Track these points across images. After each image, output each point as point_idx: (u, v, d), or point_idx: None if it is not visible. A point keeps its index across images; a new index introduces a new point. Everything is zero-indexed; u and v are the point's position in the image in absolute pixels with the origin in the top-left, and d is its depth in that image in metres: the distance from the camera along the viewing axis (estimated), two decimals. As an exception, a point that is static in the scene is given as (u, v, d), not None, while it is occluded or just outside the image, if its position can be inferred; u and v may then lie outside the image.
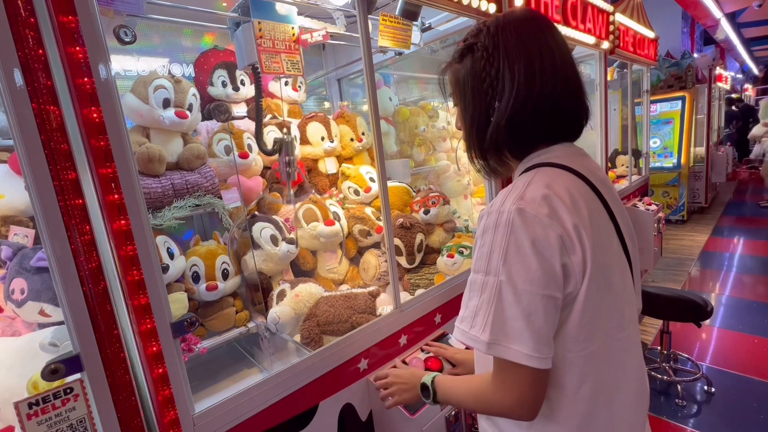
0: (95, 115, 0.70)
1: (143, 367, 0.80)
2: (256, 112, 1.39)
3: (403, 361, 1.29)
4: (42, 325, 1.08)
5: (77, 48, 0.68)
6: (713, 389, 2.32)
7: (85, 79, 0.69)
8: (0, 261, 1.10)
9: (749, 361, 2.54)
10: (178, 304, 1.28)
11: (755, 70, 12.24)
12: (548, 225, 0.59)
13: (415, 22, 1.51)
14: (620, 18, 2.71)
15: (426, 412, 1.16)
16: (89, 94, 0.69)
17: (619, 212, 0.71)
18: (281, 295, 1.46)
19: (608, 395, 0.67)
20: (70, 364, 0.69)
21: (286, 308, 1.38)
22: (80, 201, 0.69)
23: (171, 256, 1.35)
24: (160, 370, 0.80)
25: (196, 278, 1.43)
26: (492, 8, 1.56)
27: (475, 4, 1.49)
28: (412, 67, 2.58)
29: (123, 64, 1.68)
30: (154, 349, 0.79)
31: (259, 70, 1.20)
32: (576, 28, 2.08)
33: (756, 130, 6.70)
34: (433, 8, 1.45)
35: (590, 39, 2.27)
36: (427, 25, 1.80)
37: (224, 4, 1.54)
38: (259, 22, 1.15)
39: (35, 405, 0.65)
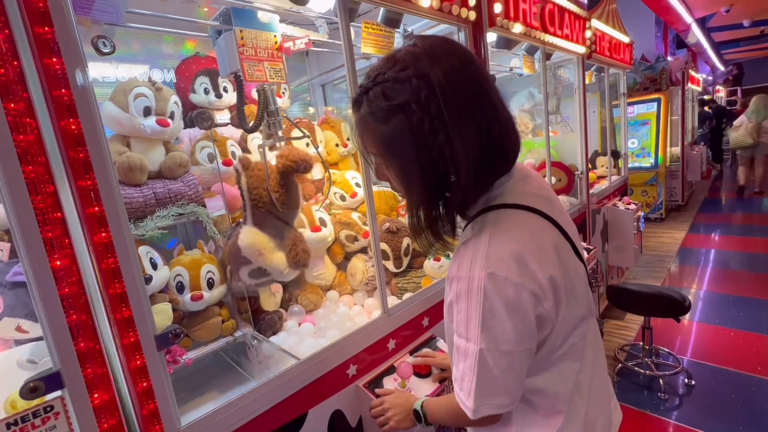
0: (73, 127, 0.69)
1: (126, 381, 0.79)
2: (239, 117, 1.37)
3: (392, 365, 1.30)
4: (19, 342, 1.05)
5: (54, 59, 0.67)
6: (693, 382, 2.39)
7: (63, 90, 0.68)
8: (-26, 276, 1.07)
9: (727, 353, 2.63)
10: (162, 316, 1.26)
11: (725, 72, 12.76)
12: (519, 285, 0.60)
13: (397, 30, 1.53)
14: (596, 24, 2.79)
15: (415, 416, 1.16)
16: (67, 105, 0.68)
17: (566, 224, 0.72)
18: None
19: (582, 389, 0.72)
20: (50, 381, 0.67)
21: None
22: (59, 214, 0.68)
23: (154, 266, 1.32)
24: (144, 384, 0.79)
25: (180, 288, 1.41)
26: (472, 15, 1.59)
27: (455, 12, 1.52)
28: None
29: (102, 72, 1.65)
30: (138, 362, 0.78)
31: (241, 78, 1.20)
32: (554, 34, 2.14)
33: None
34: (415, 16, 1.47)
35: (568, 44, 2.33)
36: (409, 32, 1.83)
37: (205, 10, 1.53)
38: (241, 31, 1.15)
39: (13, 425, 0.64)
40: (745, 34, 9.64)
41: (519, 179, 0.71)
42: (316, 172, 2.06)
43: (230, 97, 1.89)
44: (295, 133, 1.68)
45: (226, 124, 1.86)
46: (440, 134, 0.58)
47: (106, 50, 0.79)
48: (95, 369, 0.72)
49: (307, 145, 1.76)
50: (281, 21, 1.62)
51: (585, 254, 0.81)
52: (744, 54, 12.61)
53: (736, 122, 6.62)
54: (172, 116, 1.46)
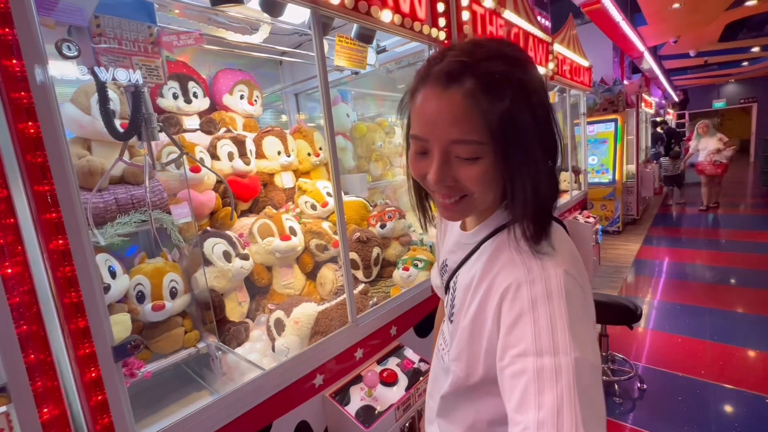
0: (32, 130, 0.67)
1: (79, 395, 0.76)
2: (104, 121, 1.04)
3: (359, 374, 1.30)
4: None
5: (13, 60, 0.65)
6: (645, 386, 2.53)
7: (22, 93, 0.66)
8: None
9: (675, 358, 2.81)
10: (119, 326, 1.21)
11: (675, 97, 13.83)
12: (585, 285, 0.56)
13: (370, 45, 1.57)
14: (558, 48, 2.97)
15: (381, 424, 1.17)
16: (26, 108, 0.66)
17: None
18: (279, 324, 1.42)
19: None
20: (-5, 395, 0.63)
21: (292, 338, 1.36)
22: (12, 220, 0.65)
23: (113, 275, 1.27)
24: (99, 398, 0.76)
25: (140, 298, 1.35)
26: (442, 35, 1.67)
27: (426, 31, 1.58)
28: (370, 84, 2.65)
29: (62, 71, 1.58)
30: (93, 375, 0.75)
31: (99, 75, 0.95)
32: (519, 55, 2.26)
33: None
34: (387, 33, 1.52)
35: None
36: (382, 47, 1.88)
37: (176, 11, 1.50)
38: (96, 17, 0.91)
39: (-49, 443, 0.60)
40: (691, 63, 10.52)
41: None
42: (288, 180, 2.05)
43: (200, 103, 1.86)
44: (167, 152, 1.53)
45: (195, 130, 1.83)
46: (551, 121, 0.59)
47: (70, 54, 0.77)
48: (45, 382, 0.68)
49: (201, 162, 1.59)
50: (273, 33, 1.64)
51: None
52: (691, 81, 13.73)
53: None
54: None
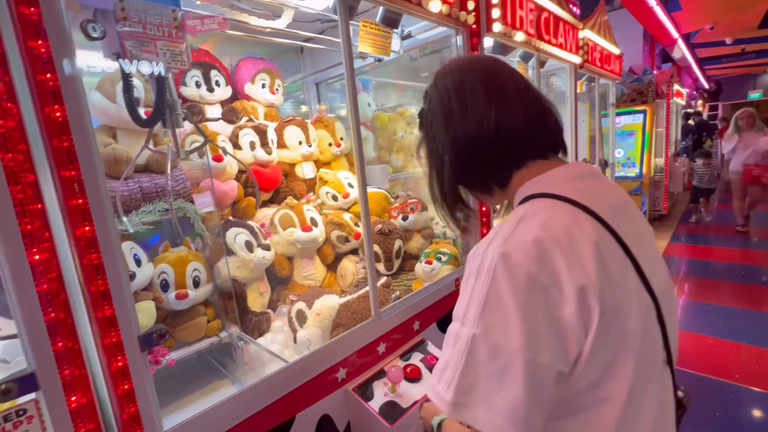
0: (58, 114, 0.65)
1: (107, 383, 0.75)
2: (124, 91, 1.00)
3: (381, 369, 1.28)
4: (-10, 339, 1.00)
5: (39, 42, 0.63)
6: (674, 389, 2.44)
7: (48, 75, 0.64)
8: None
9: (706, 361, 2.69)
10: (145, 314, 1.22)
11: (707, 87, 13.19)
12: (535, 274, 0.52)
13: (395, 30, 1.52)
14: (589, 34, 2.84)
15: (405, 421, 1.15)
16: (52, 91, 0.65)
17: (635, 242, 0.59)
18: (300, 315, 1.41)
19: None
20: (24, 383, 0.63)
21: (314, 330, 1.35)
22: (40, 205, 0.64)
23: (138, 263, 1.28)
24: (126, 387, 0.75)
25: (164, 286, 1.36)
26: (470, 19, 1.59)
27: (454, 15, 1.51)
28: (391, 73, 2.59)
29: (87, 61, 1.59)
30: (120, 364, 0.74)
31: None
32: (549, 42, 2.16)
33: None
34: (414, 17, 1.46)
35: (563, 53, 2.36)
36: (407, 33, 1.82)
37: None
38: (121, 1, 0.91)
39: (-18, 429, 0.60)
40: (727, 52, 9.98)
41: (583, 175, 0.65)
42: (308, 171, 2.03)
43: (222, 92, 1.85)
44: (190, 141, 1.52)
45: (217, 119, 1.81)
46: (434, 122, 0.70)
47: (95, 34, 0.75)
48: (73, 370, 0.68)
49: (224, 151, 1.60)
50: (276, 16, 1.60)
51: (670, 290, 0.63)
52: (724, 71, 13.06)
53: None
54: (159, 109, 1.41)
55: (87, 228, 0.69)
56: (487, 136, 0.64)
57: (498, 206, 0.82)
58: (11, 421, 0.62)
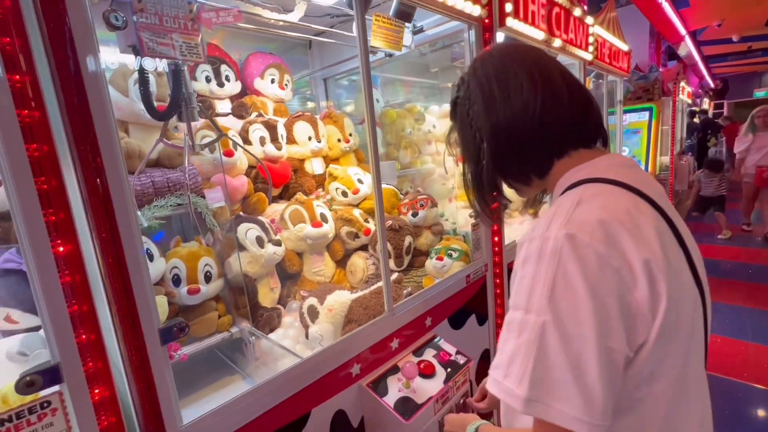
0: (82, 107, 0.65)
1: (127, 377, 0.75)
2: (140, 84, 1.00)
3: (395, 365, 1.27)
4: (5, 333, 0.99)
5: (64, 32, 0.62)
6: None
7: (71, 67, 0.63)
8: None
9: (714, 360, 2.68)
10: (158, 309, 1.21)
11: (712, 85, 13.10)
12: (604, 256, 0.49)
13: (407, 24, 1.50)
14: (598, 30, 2.81)
15: (420, 417, 1.14)
16: (75, 83, 0.64)
17: (685, 233, 0.60)
18: (312, 311, 1.41)
19: None
20: (48, 375, 0.62)
21: (326, 325, 1.35)
22: (64, 197, 0.64)
23: (150, 257, 1.27)
24: (147, 380, 0.75)
25: (176, 281, 1.36)
26: (484, 14, 1.58)
27: (468, 10, 1.50)
28: (398, 69, 2.58)
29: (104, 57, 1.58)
30: (141, 357, 0.73)
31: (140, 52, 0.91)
32: (559, 37, 2.14)
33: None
34: (429, 11, 1.45)
35: (573, 49, 2.34)
36: (418, 28, 1.80)
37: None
38: None
39: (8, 421, 0.59)
40: (733, 49, 9.90)
41: (627, 164, 0.64)
42: (317, 167, 2.02)
43: (232, 87, 1.84)
44: (200, 135, 1.50)
45: (227, 114, 1.81)
46: (472, 109, 0.68)
47: (118, 24, 0.74)
48: (96, 363, 0.67)
49: (237, 145, 1.59)
50: (287, 10, 1.59)
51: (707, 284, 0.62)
52: (731, 69, 12.96)
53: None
54: (171, 103, 1.40)
55: (109, 221, 0.69)
56: (532, 123, 0.62)
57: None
58: (35, 413, 0.62)
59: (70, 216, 0.64)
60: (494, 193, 0.71)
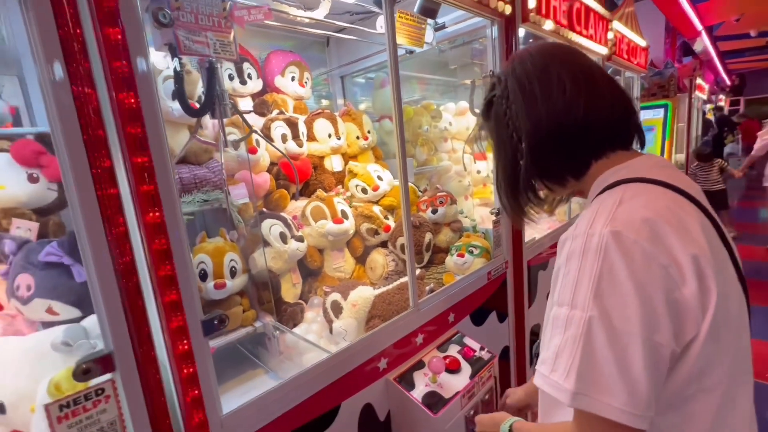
0: (132, 101, 0.66)
1: (171, 366, 0.77)
2: (175, 81, 1.02)
3: (420, 360, 1.28)
4: (46, 324, 1.02)
5: (116, 29, 0.64)
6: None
7: (123, 62, 0.65)
8: (1, 255, 1.04)
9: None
10: (189, 303, 1.24)
11: (728, 81, 12.85)
12: (651, 253, 0.50)
13: (430, 20, 1.50)
14: (617, 25, 2.78)
15: (447, 411, 1.15)
16: (126, 78, 0.66)
17: (725, 230, 0.61)
18: (336, 306, 1.42)
19: None
20: (102, 363, 0.64)
21: (350, 320, 1.36)
22: (115, 190, 0.65)
23: (180, 252, 1.30)
24: (190, 370, 0.76)
25: (203, 276, 1.38)
26: (508, 10, 1.57)
27: (492, 5, 1.49)
28: (415, 66, 2.58)
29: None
30: (185, 347, 0.75)
31: (176, 50, 0.93)
32: (580, 33, 2.12)
33: None
34: (451, 7, 1.44)
35: (592, 45, 2.32)
36: (440, 24, 1.80)
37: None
38: None
39: (65, 407, 0.61)
40: (750, 45, 9.69)
41: (664, 165, 0.65)
42: (337, 164, 2.03)
43: (254, 84, 1.86)
44: (228, 131, 1.50)
45: (249, 112, 1.83)
46: (511, 109, 0.68)
47: (165, 21, 0.76)
48: (145, 352, 0.69)
49: (263, 142, 1.59)
50: (308, 8, 1.60)
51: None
52: (747, 65, 12.69)
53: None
54: (199, 101, 1.43)
55: (156, 213, 0.70)
56: (575, 124, 0.62)
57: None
58: (91, 400, 0.64)
59: (119, 208, 0.66)
60: (531, 192, 0.71)
